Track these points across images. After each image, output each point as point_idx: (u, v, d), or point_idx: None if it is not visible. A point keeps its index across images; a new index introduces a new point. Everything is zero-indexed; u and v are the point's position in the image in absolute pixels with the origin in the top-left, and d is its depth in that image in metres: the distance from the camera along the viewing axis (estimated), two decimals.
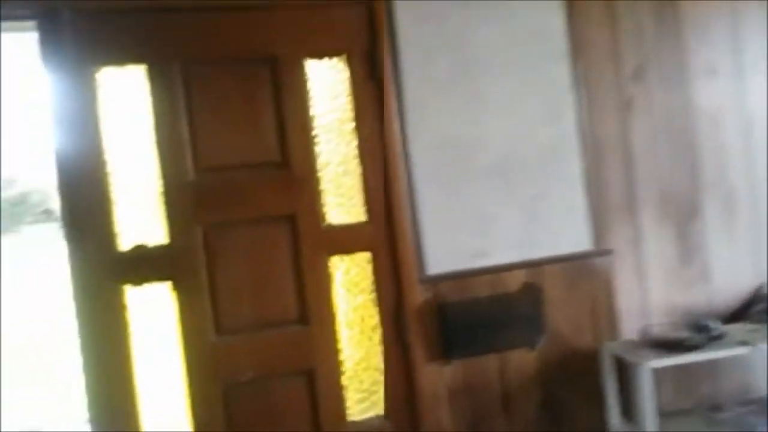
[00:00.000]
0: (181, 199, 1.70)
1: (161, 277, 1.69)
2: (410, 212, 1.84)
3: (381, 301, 1.83)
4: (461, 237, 1.88)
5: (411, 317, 1.84)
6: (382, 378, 1.82)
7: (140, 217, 1.69)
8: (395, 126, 1.84)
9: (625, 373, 1.90)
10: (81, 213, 1.64)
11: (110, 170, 1.66)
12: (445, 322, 1.84)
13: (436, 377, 1.85)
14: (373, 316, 1.84)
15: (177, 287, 1.70)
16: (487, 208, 1.91)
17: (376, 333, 1.84)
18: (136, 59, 1.68)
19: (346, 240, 1.83)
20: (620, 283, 2.02)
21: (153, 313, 1.70)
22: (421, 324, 1.84)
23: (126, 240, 1.67)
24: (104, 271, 1.65)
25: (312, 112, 1.80)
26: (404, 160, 1.84)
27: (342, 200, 1.84)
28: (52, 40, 1.61)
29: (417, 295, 1.84)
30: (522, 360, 1.93)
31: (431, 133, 1.85)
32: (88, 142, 1.64)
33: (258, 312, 1.75)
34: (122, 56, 1.67)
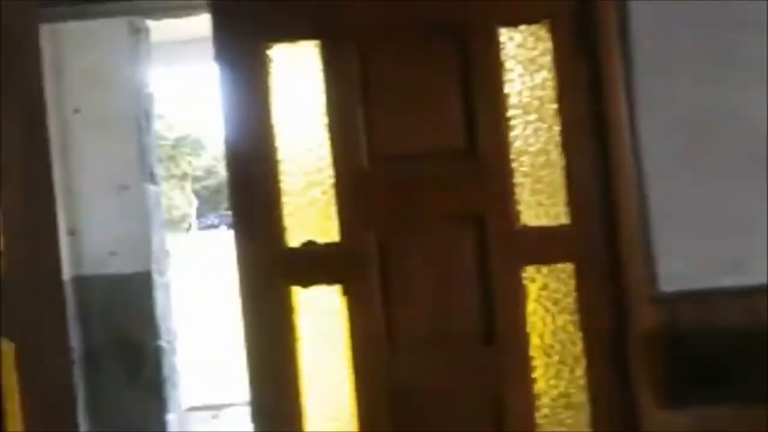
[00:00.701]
0: (354, 191, 1.50)
1: (330, 280, 1.52)
2: (636, 212, 1.44)
3: (588, 325, 1.47)
4: (708, 244, 1.43)
5: (635, 346, 1.44)
6: (587, 420, 1.46)
7: (310, 211, 1.53)
8: (618, 104, 1.45)
9: None
10: (250, 203, 1.52)
11: (281, 157, 1.52)
12: (680, 356, 1.42)
13: (666, 429, 1.43)
14: (576, 343, 1.48)
15: (347, 291, 1.51)
16: (743, 206, 1.43)
17: (579, 364, 1.48)
18: (310, 34, 1.51)
19: (544, 246, 1.49)
20: None
21: (321, 318, 1.54)
22: (647, 355, 1.43)
23: (295, 236, 1.52)
24: (271, 269, 1.51)
25: (506, 90, 1.50)
26: (629, 147, 1.44)
27: (540, 197, 1.51)
28: (223, 16, 1.50)
29: (645, 318, 1.44)
30: None
31: (668, 112, 1.42)
32: (258, 126, 1.51)
33: (436, 326, 1.50)
34: (294, 31, 1.52)
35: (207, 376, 5.64)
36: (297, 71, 1.54)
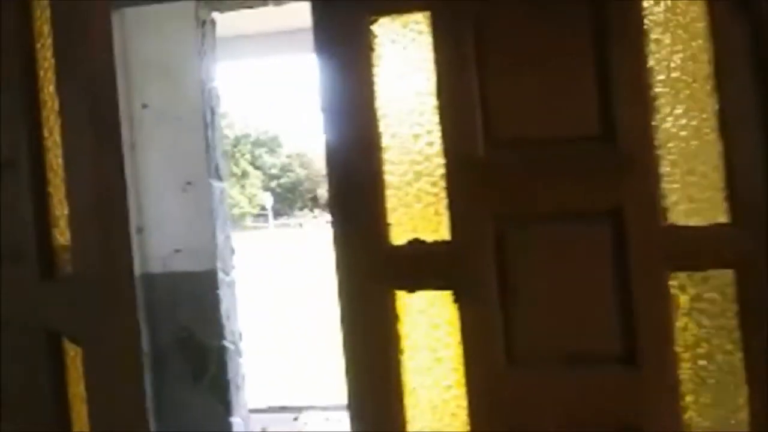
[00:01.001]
0: (468, 182, 1.30)
1: (440, 283, 1.32)
2: None
3: (751, 344, 1.22)
4: None
5: None
6: None
7: (416, 205, 1.34)
8: None
9: None
10: (350, 197, 1.34)
11: (384, 145, 1.33)
12: None
13: None
14: (735, 366, 1.24)
15: (459, 298, 1.31)
16: None
17: (740, 392, 1.24)
18: (420, 5, 1.32)
19: (696, 249, 1.25)
20: None
21: (428, 326, 1.34)
22: None
23: (399, 234, 1.33)
24: (373, 270, 1.32)
25: (650, 62, 1.27)
26: None
27: (692, 191, 1.27)
28: None
29: None
30: None
31: None
32: (359, 111, 1.33)
33: (563, 341, 1.28)
34: (402, 2, 1.33)
35: (285, 377, 5.59)
36: (403, 48, 1.34)
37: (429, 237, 1.32)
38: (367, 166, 1.32)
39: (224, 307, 3.34)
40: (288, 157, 45.23)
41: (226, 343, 3.34)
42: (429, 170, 1.32)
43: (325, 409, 4.16)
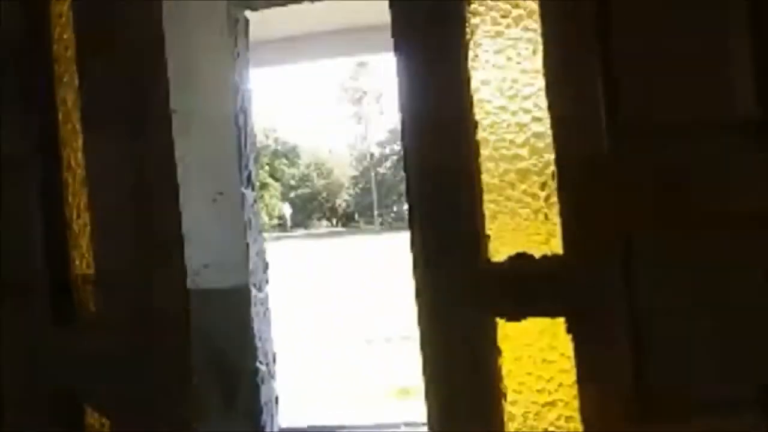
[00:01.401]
0: (586, 183, 1.04)
1: (550, 309, 1.06)
2: None
3: None
4: None
5: None
6: None
7: (521, 212, 1.08)
8: None
9: None
10: (437, 203, 1.09)
11: (480, 138, 1.08)
12: None
13: None
14: None
15: (575, 326, 1.05)
16: None
17: None
18: None
19: None
20: None
21: (536, 363, 1.08)
22: None
23: (499, 247, 1.07)
24: (467, 293, 1.07)
25: None
26: None
27: None
28: None
29: None
30: None
31: None
32: (449, 101, 1.08)
33: (716, 384, 1.01)
34: None
35: (316, 397, 5.37)
36: (504, 22, 1.10)
37: (537, 251, 1.07)
38: (459, 166, 1.07)
39: (257, 326, 3.10)
40: (307, 167, 45.38)
41: (258, 366, 3.10)
42: (537, 169, 1.07)
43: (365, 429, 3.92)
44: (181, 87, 3.31)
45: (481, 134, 1.07)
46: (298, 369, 6.28)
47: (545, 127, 1.06)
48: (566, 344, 1.05)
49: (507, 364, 1.07)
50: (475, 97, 1.06)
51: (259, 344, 3.22)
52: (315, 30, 4.32)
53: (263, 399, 3.22)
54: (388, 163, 49.46)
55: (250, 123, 3.40)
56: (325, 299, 12.06)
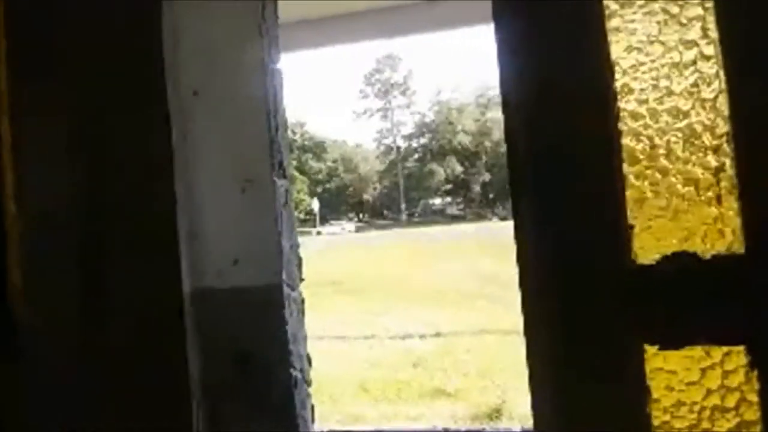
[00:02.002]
0: None
1: (724, 332, 0.74)
2: None
3: None
4: None
5: None
6: None
7: (679, 201, 0.76)
8: None
9: None
10: (552, 186, 0.78)
11: (624, 108, 0.76)
12: None
13: None
14: None
15: (763, 360, 0.73)
16: None
17: None
18: None
19: None
20: None
21: (700, 409, 0.76)
22: None
23: (649, 244, 0.76)
24: (604, 306, 0.76)
25: None
26: None
27: None
28: None
29: None
30: None
31: None
32: (584, 66, 0.77)
33: None
34: None
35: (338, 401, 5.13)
36: None
37: (703, 249, 0.75)
38: (592, 141, 0.75)
39: (290, 328, 2.81)
40: (333, 162, 45.41)
41: (292, 371, 2.81)
42: (702, 143, 0.75)
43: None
44: (203, 67, 3.02)
45: (622, 104, 0.76)
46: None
47: (716, 89, 0.73)
48: (752, 383, 0.73)
49: (659, 405, 0.75)
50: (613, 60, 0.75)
51: (293, 348, 2.95)
52: (343, 11, 4.03)
53: (297, 407, 2.94)
54: (415, 157, 49.00)
55: (282, 106, 3.12)
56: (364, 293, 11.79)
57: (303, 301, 3.15)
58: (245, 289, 2.92)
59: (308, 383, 3.11)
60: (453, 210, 44.56)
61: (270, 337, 2.90)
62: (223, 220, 2.96)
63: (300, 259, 3.15)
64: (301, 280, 3.11)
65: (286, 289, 2.95)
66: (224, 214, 2.96)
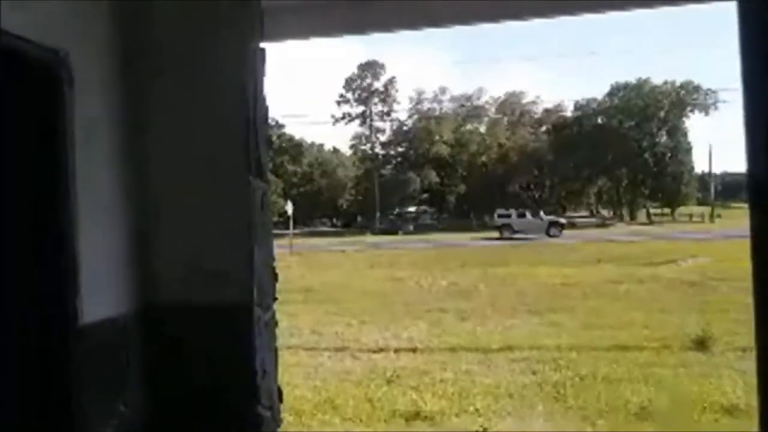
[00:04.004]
0: None
1: None
2: None
3: None
4: None
5: None
6: None
7: None
8: None
9: None
10: None
11: None
12: None
13: None
14: None
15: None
16: None
17: None
18: None
19: None
20: None
21: None
22: None
23: None
24: None
25: None
26: None
27: None
28: None
29: None
30: None
31: None
32: None
33: None
34: None
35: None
36: None
37: None
38: None
39: (259, 357, 2.35)
40: (309, 166, 44.82)
41: (260, 410, 2.34)
42: None
43: None
44: (170, 44, 2.47)
45: None
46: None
47: None
48: None
49: None
50: None
51: (261, 383, 2.40)
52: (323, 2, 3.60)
53: None
54: (391, 164, 48.44)
55: (262, 93, 2.57)
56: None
57: (276, 323, 2.60)
58: (206, 307, 2.37)
59: (277, 422, 2.57)
60: (427, 219, 44.19)
61: (234, 368, 2.36)
62: (185, 224, 2.41)
63: (276, 275, 2.59)
64: (275, 299, 2.56)
65: (256, 310, 2.39)
66: (186, 217, 2.40)
